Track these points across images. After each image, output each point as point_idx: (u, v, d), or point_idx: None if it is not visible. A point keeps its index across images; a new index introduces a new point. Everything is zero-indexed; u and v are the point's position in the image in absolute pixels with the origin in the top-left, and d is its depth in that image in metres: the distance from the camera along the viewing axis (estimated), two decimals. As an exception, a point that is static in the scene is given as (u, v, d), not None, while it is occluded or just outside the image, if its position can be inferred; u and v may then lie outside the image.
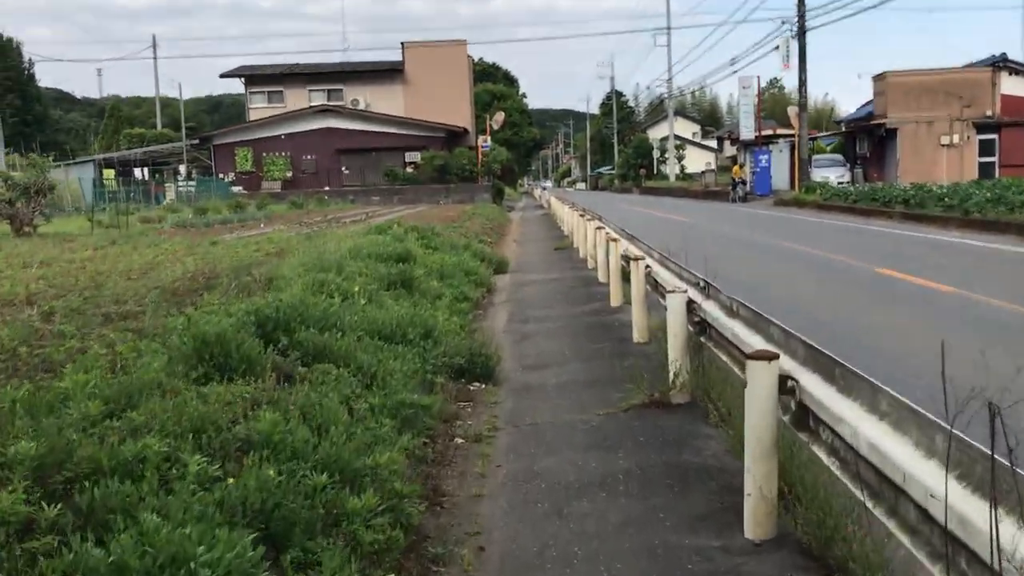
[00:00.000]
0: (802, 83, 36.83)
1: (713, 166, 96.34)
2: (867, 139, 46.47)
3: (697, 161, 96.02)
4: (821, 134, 59.77)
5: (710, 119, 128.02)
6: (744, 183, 40.14)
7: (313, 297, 6.75)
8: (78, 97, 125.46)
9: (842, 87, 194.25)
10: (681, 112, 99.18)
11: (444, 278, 10.88)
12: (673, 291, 5.82)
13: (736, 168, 41.57)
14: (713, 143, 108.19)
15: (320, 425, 4.21)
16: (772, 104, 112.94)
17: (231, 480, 3.18)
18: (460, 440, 5.31)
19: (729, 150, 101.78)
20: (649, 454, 4.76)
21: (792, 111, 38.99)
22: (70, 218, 25.59)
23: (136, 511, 2.71)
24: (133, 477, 3.07)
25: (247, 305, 5.98)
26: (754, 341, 4.08)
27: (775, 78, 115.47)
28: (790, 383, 3.51)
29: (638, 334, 8.05)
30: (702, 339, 5.77)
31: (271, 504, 3.14)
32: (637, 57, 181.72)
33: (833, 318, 8.74)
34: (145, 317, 7.25)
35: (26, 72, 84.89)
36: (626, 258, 9.94)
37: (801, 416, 3.53)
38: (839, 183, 38.08)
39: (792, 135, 50.62)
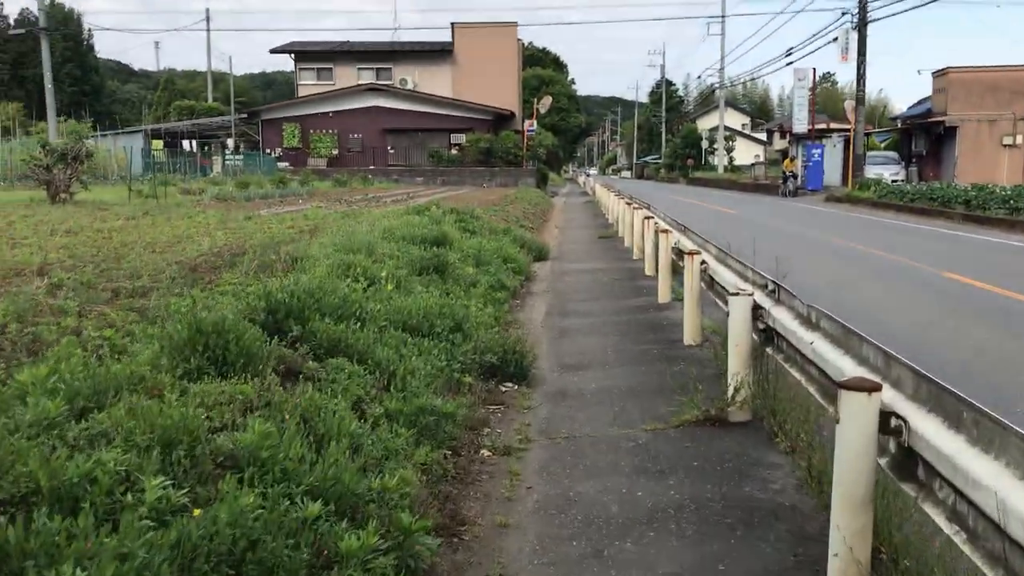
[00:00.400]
0: (860, 76, 35.50)
1: (762, 159, 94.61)
2: (924, 137, 44.94)
3: (746, 153, 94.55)
4: (875, 130, 58.07)
5: (760, 111, 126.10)
6: (795, 177, 38.93)
7: (334, 281, 6.14)
8: (136, 69, 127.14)
9: (895, 84, 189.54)
10: (731, 103, 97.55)
11: (480, 264, 10.25)
12: (737, 294, 5.12)
13: (787, 161, 40.32)
14: (763, 135, 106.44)
15: (323, 436, 3.61)
16: (824, 98, 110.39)
17: (196, 512, 2.58)
18: (487, 453, 4.69)
19: (779, 143, 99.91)
20: (706, 484, 4.09)
21: (848, 105, 37.66)
22: (113, 187, 25.39)
23: (61, 559, 2.12)
24: (77, 503, 2.49)
25: (259, 288, 5.41)
26: (844, 364, 3.39)
27: (828, 72, 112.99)
28: (895, 422, 2.82)
29: (689, 336, 7.35)
30: (768, 350, 5.09)
31: (244, 544, 2.54)
32: (688, 47, 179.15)
33: (907, 329, 7.95)
34: (154, 295, 6.75)
35: (85, 43, 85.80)
36: (678, 251, 9.24)
37: (905, 462, 2.85)
38: (893, 181, 36.75)
39: (846, 130, 49.15)
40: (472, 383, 5.78)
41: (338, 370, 4.70)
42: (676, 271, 9.65)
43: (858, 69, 35.27)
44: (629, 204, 16.04)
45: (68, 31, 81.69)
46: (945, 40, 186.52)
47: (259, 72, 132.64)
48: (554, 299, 10.27)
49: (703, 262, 7.26)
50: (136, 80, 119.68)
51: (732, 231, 17.79)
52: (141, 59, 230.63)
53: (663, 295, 9.58)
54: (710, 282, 7.20)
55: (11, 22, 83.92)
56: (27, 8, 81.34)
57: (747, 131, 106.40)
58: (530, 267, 12.95)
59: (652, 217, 11.84)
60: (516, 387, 6.19)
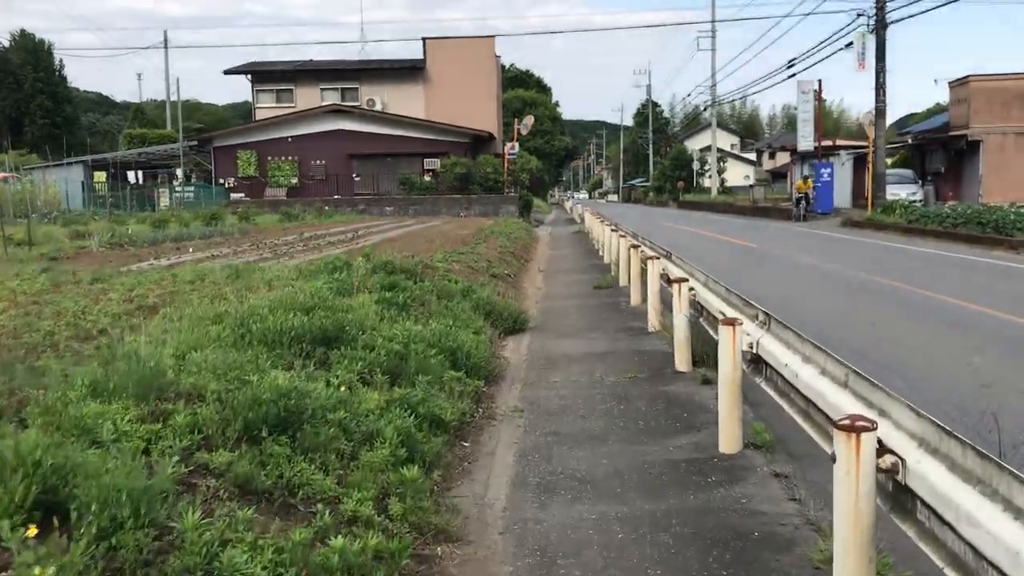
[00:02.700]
0: (880, 85, 31.47)
1: (752, 179, 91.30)
2: (941, 153, 40.97)
3: (736, 174, 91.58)
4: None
5: (748, 132, 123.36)
6: (808, 199, 34.70)
7: None
8: (117, 101, 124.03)
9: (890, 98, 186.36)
10: (720, 124, 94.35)
11: (400, 378, 5.90)
12: None
13: (800, 182, 35.85)
14: (752, 156, 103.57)
15: None
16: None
17: None
18: None
19: (768, 163, 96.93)
20: None
21: (866, 118, 33.59)
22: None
23: None
24: None
25: None
26: None
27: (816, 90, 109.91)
28: None
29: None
30: None
31: None
32: (674, 68, 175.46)
33: None
34: None
35: (57, 73, 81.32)
36: (755, 359, 4.97)
37: None
38: (911, 202, 32.62)
39: (856, 147, 45.19)
40: None
41: None
42: (709, 362, 5.33)
43: (877, 77, 31.26)
44: (636, 247, 11.73)
45: (41, 63, 76.90)
46: (954, 46, 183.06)
47: (242, 101, 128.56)
48: (529, 435, 5.88)
49: (882, 445, 2.90)
50: (117, 112, 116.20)
51: (774, 278, 13.38)
52: (124, 91, 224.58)
53: (729, 438, 5.23)
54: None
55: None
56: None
57: (736, 151, 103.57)
58: (497, 351, 8.62)
59: (686, 280, 7.47)
60: None
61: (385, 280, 8.52)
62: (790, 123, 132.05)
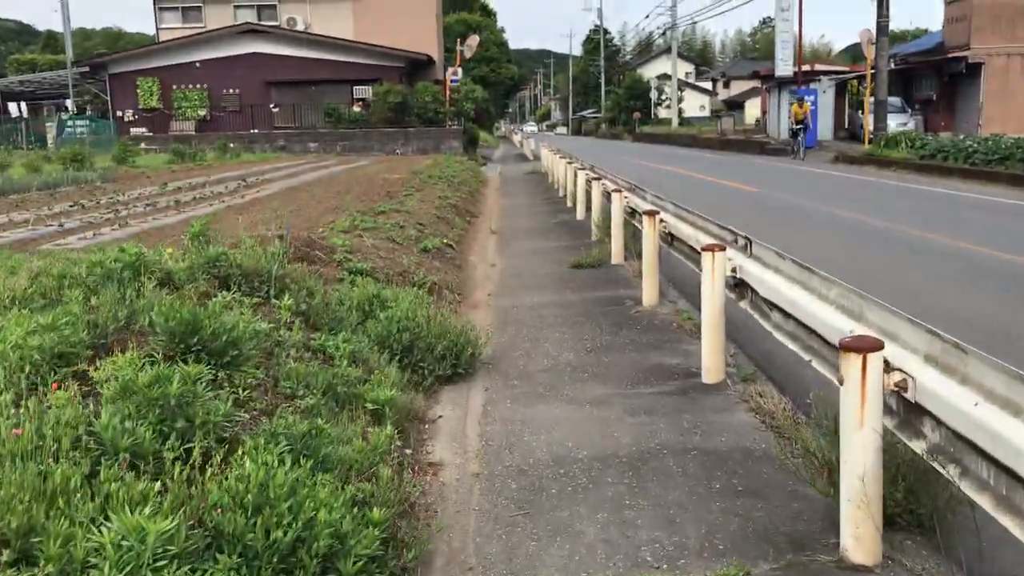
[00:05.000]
0: (883, -3, 27.06)
1: (708, 110, 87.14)
2: (933, 79, 36.88)
3: (692, 105, 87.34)
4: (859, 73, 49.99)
5: (702, 60, 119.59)
6: (806, 128, 29.75)
7: None
8: (40, 30, 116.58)
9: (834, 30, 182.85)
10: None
11: None
12: None
13: (795, 107, 30.33)
14: (707, 85, 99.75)
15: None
16: (766, 44, 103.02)
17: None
18: None
19: (723, 93, 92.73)
20: None
21: (864, 35, 29.16)
22: None
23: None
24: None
25: None
26: None
27: (767, 17, 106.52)
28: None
29: None
30: None
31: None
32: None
33: None
34: None
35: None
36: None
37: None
38: (901, 134, 28.27)
39: (837, 72, 41.00)
40: None
41: None
42: None
43: (879, -13, 26.88)
44: (652, 213, 7.22)
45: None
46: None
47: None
48: None
49: None
50: (39, 41, 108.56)
51: (839, 252, 8.58)
52: (48, 21, 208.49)
53: None
54: None
55: None
56: None
57: (691, 80, 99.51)
58: (419, 470, 4.17)
59: (879, 347, 3.01)
60: None
61: (173, 317, 3.88)
62: (743, 50, 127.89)
